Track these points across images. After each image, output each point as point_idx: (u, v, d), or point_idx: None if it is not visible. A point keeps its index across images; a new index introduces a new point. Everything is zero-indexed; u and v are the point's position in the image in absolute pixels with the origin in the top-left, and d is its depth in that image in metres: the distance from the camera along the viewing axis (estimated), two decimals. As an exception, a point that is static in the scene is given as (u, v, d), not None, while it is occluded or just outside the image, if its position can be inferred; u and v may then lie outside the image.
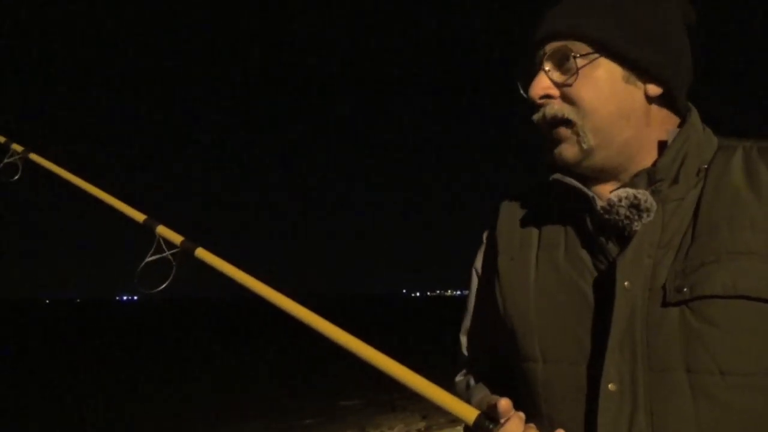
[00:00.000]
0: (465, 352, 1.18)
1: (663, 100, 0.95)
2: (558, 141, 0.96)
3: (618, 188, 0.93)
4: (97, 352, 26.87)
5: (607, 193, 0.94)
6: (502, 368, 1.07)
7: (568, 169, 0.96)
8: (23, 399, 14.39)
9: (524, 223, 1.06)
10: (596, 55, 0.92)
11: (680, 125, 0.96)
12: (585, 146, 0.93)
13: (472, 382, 1.13)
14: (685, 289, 0.85)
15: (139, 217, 1.29)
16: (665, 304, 0.86)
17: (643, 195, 0.90)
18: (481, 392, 1.07)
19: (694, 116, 0.97)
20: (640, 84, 0.93)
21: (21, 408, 13.53)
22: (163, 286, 1.26)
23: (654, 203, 0.90)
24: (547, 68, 0.95)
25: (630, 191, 0.90)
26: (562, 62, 0.94)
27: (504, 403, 0.85)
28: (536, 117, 0.97)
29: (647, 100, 0.94)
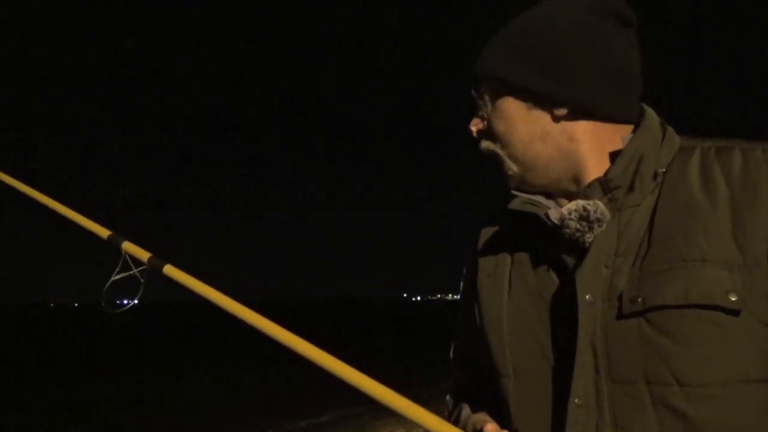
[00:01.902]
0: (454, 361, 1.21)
1: (583, 115, 0.95)
2: (499, 170, 1.03)
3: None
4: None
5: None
6: (481, 381, 1.08)
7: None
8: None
9: (501, 239, 1.07)
10: (500, 92, 0.99)
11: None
12: (510, 173, 1.00)
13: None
14: (639, 300, 0.84)
15: (104, 233, 1.26)
16: (621, 315, 0.85)
17: (593, 205, 0.89)
18: (468, 408, 1.09)
19: (649, 119, 0.95)
20: (545, 108, 0.96)
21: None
22: (131, 304, 1.24)
23: (606, 212, 0.89)
24: (477, 108, 1.04)
25: (580, 203, 0.90)
26: (481, 102, 1.02)
27: (491, 429, 0.88)
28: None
29: (558, 120, 0.95)
